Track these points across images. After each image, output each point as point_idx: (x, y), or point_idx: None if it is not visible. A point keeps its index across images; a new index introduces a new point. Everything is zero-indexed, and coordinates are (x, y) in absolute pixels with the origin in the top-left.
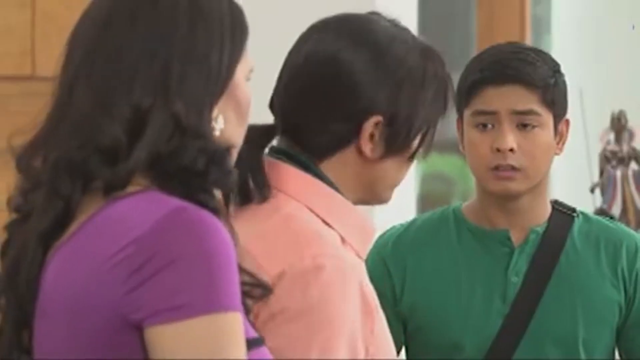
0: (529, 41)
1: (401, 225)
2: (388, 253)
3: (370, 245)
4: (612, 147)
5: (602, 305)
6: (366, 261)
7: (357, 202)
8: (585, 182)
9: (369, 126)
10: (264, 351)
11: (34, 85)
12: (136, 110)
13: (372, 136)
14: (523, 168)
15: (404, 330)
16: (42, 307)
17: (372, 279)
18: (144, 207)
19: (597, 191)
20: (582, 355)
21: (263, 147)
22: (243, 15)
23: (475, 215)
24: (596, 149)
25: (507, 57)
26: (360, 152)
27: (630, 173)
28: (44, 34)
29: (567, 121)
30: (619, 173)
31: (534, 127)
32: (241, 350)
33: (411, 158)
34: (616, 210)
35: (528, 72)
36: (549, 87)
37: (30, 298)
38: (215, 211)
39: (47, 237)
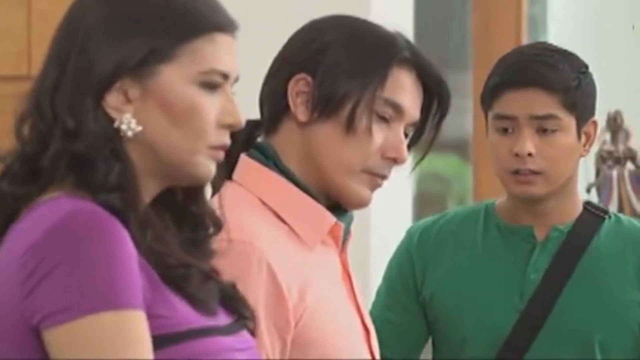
0: (524, 41)
1: (432, 217)
2: (414, 244)
3: (322, 236)
4: (608, 147)
5: (622, 308)
6: (396, 252)
7: (325, 196)
8: (582, 182)
9: (295, 84)
10: (205, 342)
11: (30, 85)
12: (41, 118)
13: (307, 101)
14: (543, 172)
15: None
16: None
17: (399, 270)
18: (44, 214)
19: (594, 191)
20: (598, 357)
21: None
22: (182, 16)
23: (504, 211)
24: (592, 149)
25: (528, 59)
26: (295, 119)
27: (626, 173)
28: (40, 34)
29: (595, 122)
30: (615, 173)
31: (554, 131)
32: (139, 348)
33: (347, 130)
34: (612, 210)
35: (547, 75)
36: (570, 90)
37: None
38: (120, 212)
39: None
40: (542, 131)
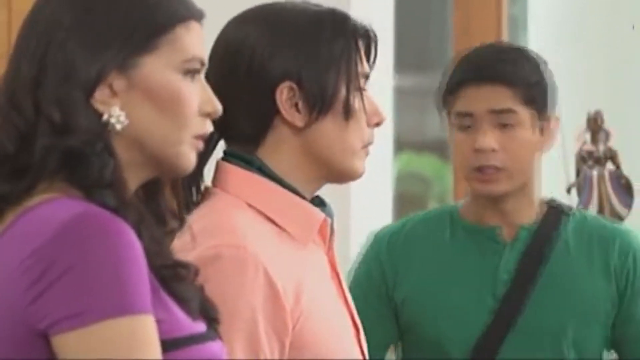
0: (505, 40)
1: (397, 223)
2: (383, 250)
3: (314, 233)
4: (589, 147)
5: (593, 303)
6: (364, 258)
7: (322, 180)
8: (562, 182)
9: (281, 94)
10: (199, 349)
11: None
12: (20, 114)
13: (295, 105)
14: (506, 167)
15: (398, 327)
16: None
17: (369, 275)
18: (46, 217)
19: (574, 191)
20: (572, 354)
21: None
22: (159, 7)
23: (469, 213)
24: (572, 149)
25: (487, 56)
26: (290, 125)
27: (606, 173)
28: None
29: (557, 119)
30: (595, 173)
31: (513, 125)
32: (151, 352)
33: (347, 117)
34: (592, 210)
35: (506, 70)
36: (530, 85)
37: None
38: (116, 209)
39: None
40: (502, 126)
